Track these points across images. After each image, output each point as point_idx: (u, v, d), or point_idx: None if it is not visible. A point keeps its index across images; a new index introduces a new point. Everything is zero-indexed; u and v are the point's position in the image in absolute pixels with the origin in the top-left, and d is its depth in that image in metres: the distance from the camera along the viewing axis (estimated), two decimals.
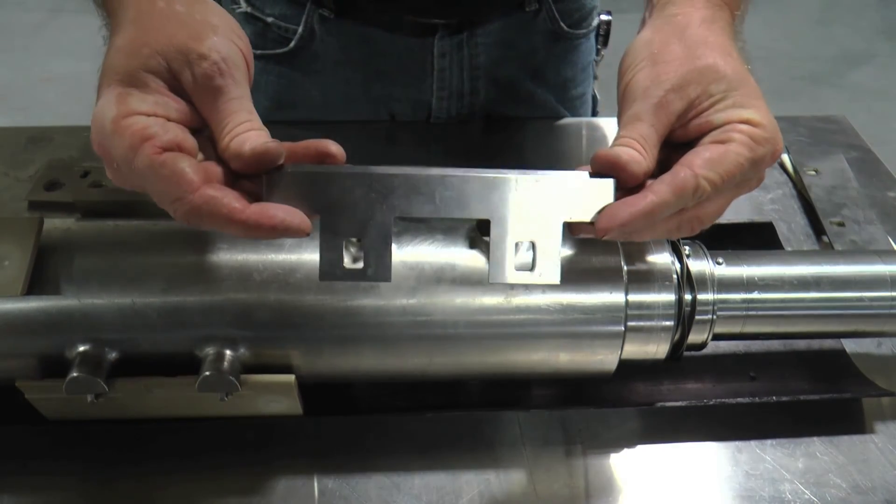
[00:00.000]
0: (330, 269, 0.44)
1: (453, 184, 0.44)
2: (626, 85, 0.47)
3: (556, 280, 0.45)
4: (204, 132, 0.45)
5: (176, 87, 0.42)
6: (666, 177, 0.43)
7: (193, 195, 0.40)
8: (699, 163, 0.43)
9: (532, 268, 0.45)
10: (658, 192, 0.42)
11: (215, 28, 0.44)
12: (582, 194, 0.45)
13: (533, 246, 0.45)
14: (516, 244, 0.45)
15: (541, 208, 0.45)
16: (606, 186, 0.45)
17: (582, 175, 0.45)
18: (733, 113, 0.45)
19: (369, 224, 0.43)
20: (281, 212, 0.41)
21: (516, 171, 0.45)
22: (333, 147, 0.44)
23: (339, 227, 0.43)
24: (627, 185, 0.44)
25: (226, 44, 0.43)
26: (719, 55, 0.46)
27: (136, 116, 0.41)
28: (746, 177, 0.45)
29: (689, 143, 0.46)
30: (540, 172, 0.45)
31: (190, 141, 0.42)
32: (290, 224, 0.41)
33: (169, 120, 0.42)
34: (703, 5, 0.49)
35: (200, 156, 0.43)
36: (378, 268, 0.44)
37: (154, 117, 0.41)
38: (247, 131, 0.42)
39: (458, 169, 0.45)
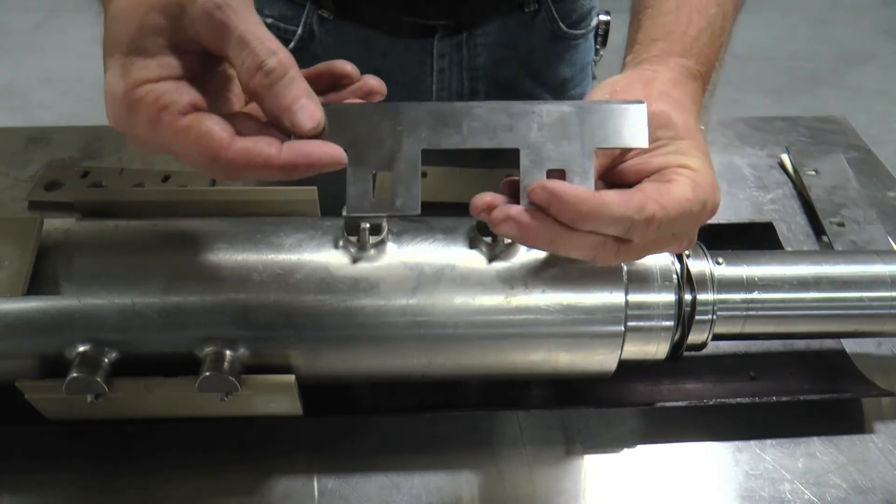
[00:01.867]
0: (358, 202, 0.43)
1: (480, 115, 0.44)
2: None
3: None
4: (218, 70, 0.43)
5: (180, 39, 0.40)
6: (622, 193, 0.42)
7: (227, 152, 0.39)
8: (651, 190, 0.42)
9: None
10: (605, 194, 0.41)
11: None
12: (613, 121, 0.44)
13: (564, 174, 0.43)
14: (547, 171, 0.43)
15: (571, 136, 0.44)
16: (639, 111, 0.44)
17: (612, 103, 0.44)
18: (674, 158, 0.44)
19: (397, 156, 0.43)
20: (315, 147, 0.40)
21: (542, 102, 0.44)
22: (348, 66, 0.44)
23: (366, 160, 0.43)
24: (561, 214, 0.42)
25: None
26: (675, 108, 0.46)
27: (146, 86, 0.39)
28: (686, 220, 0.43)
29: (625, 185, 0.45)
30: (568, 102, 0.44)
31: (202, 100, 0.41)
32: (326, 158, 0.40)
33: (179, 79, 0.40)
34: (677, 69, 0.49)
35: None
36: (407, 199, 0.43)
37: (163, 82, 0.40)
38: (297, 95, 0.40)
39: (484, 102, 0.44)
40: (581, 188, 0.41)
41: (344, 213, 0.49)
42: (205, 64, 0.42)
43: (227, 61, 0.41)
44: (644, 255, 0.46)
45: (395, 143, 0.43)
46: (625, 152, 0.46)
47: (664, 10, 0.52)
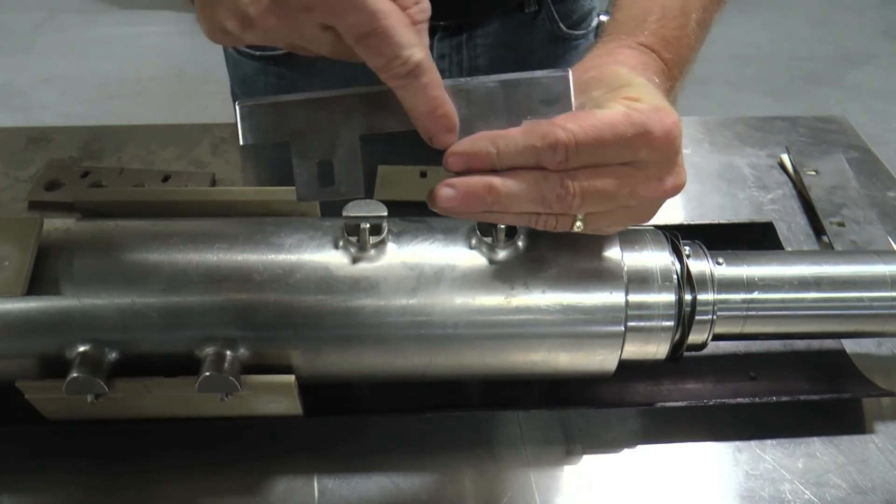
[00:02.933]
0: (306, 190, 0.45)
1: None
2: None
3: None
4: None
5: None
6: (527, 124, 0.42)
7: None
8: (562, 116, 0.41)
9: None
10: (509, 130, 0.41)
11: None
12: (538, 91, 0.45)
13: None
14: None
15: (499, 110, 0.45)
16: (563, 80, 0.44)
17: (536, 73, 0.45)
18: (613, 95, 0.43)
19: (336, 144, 0.45)
20: None
21: (472, 79, 0.45)
22: None
23: (308, 150, 0.45)
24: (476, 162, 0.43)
25: None
26: (608, 66, 0.46)
27: None
28: (624, 148, 0.41)
29: None
30: (495, 77, 0.45)
31: None
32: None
33: None
34: (616, 42, 0.49)
35: None
36: (350, 184, 0.45)
37: None
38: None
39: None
40: (481, 133, 0.42)
41: (344, 213, 0.50)
42: None
43: None
44: (592, 197, 0.42)
45: (333, 132, 0.45)
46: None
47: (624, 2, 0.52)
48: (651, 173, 0.43)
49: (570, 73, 0.44)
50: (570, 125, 0.40)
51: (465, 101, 0.45)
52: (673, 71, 0.50)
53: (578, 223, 0.44)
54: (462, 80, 0.45)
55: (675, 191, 0.44)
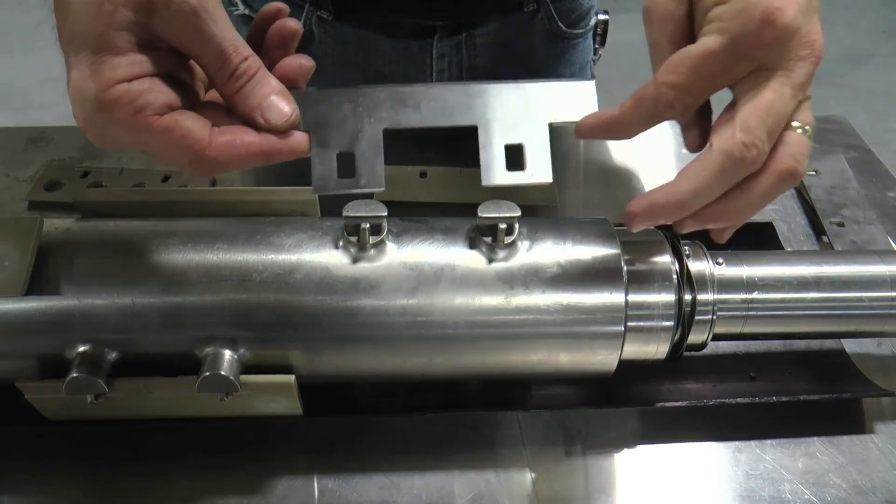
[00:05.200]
0: (323, 182, 0.45)
1: (437, 95, 0.46)
2: None
3: (548, 178, 0.46)
4: (185, 64, 0.42)
5: (150, 37, 0.39)
6: (638, 89, 0.42)
7: (210, 150, 0.39)
8: (662, 69, 0.41)
9: (523, 168, 0.46)
10: (623, 105, 0.41)
11: None
12: (565, 98, 0.45)
13: (522, 148, 0.46)
14: (505, 146, 0.46)
15: (525, 113, 0.45)
16: (588, 88, 0.45)
17: (563, 81, 0.46)
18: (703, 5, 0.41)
19: (360, 136, 0.45)
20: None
21: (498, 82, 0.46)
22: (293, 24, 0.44)
23: (330, 141, 0.45)
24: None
25: None
26: None
27: (120, 86, 0.38)
28: (737, 64, 0.39)
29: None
30: (521, 81, 0.46)
31: (177, 97, 0.40)
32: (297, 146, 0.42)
33: (152, 77, 0.39)
34: None
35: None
36: (371, 177, 0.45)
37: (137, 81, 0.38)
38: (267, 92, 0.41)
39: (440, 83, 0.46)
40: (602, 113, 0.42)
41: (344, 213, 0.50)
42: (173, 59, 0.41)
43: (197, 62, 0.41)
44: (757, 120, 0.40)
45: (356, 124, 0.45)
46: (694, 20, 0.42)
47: None
48: (781, 63, 0.40)
49: (594, 82, 0.45)
50: (671, 78, 0.39)
51: (492, 102, 0.45)
52: None
53: (802, 132, 0.41)
54: (488, 81, 0.45)
55: (817, 59, 0.40)
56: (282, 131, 0.42)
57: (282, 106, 0.42)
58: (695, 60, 0.39)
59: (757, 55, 0.39)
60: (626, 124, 0.41)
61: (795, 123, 0.40)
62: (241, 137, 0.40)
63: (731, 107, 0.40)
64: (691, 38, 0.42)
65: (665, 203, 0.42)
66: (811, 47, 0.40)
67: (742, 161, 0.39)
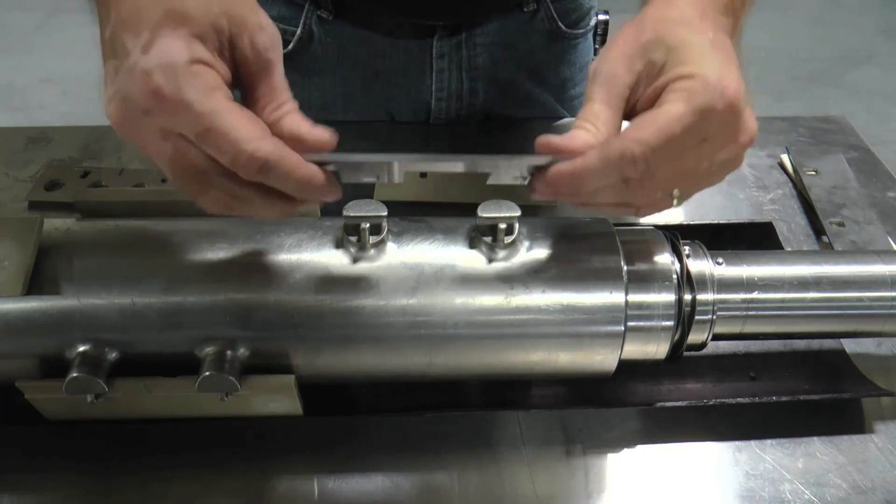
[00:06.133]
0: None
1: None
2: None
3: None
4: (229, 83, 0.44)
5: (223, 51, 0.41)
6: (600, 144, 0.43)
7: (273, 136, 0.41)
8: (628, 129, 0.43)
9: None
10: (586, 157, 0.42)
11: (255, 1, 0.44)
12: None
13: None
14: None
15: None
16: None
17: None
18: (673, 72, 0.43)
19: (382, 175, 0.46)
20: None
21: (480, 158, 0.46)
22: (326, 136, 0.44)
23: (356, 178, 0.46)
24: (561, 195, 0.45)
25: (271, 21, 0.44)
26: (664, 26, 0.45)
27: (206, 66, 0.40)
28: (694, 132, 0.42)
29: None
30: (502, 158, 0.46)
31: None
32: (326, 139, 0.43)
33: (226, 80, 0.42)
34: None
35: None
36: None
37: (216, 73, 0.41)
38: (291, 112, 0.43)
39: (440, 158, 0.46)
40: (562, 165, 0.43)
41: (344, 213, 0.50)
42: (229, 75, 0.43)
43: (250, 84, 0.43)
44: (676, 181, 0.45)
45: (385, 169, 0.45)
46: (635, 91, 0.45)
47: None
48: (725, 139, 0.44)
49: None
50: (640, 136, 0.42)
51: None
52: (734, 2, 0.48)
53: (675, 200, 0.46)
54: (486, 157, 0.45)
55: (750, 142, 0.45)
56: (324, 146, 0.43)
57: (319, 131, 0.43)
58: (661, 122, 0.42)
59: (710, 129, 0.42)
60: (589, 173, 0.42)
61: (675, 194, 0.44)
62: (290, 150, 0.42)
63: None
64: (628, 105, 0.45)
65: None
66: (748, 133, 0.44)
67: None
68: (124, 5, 0.40)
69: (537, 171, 0.44)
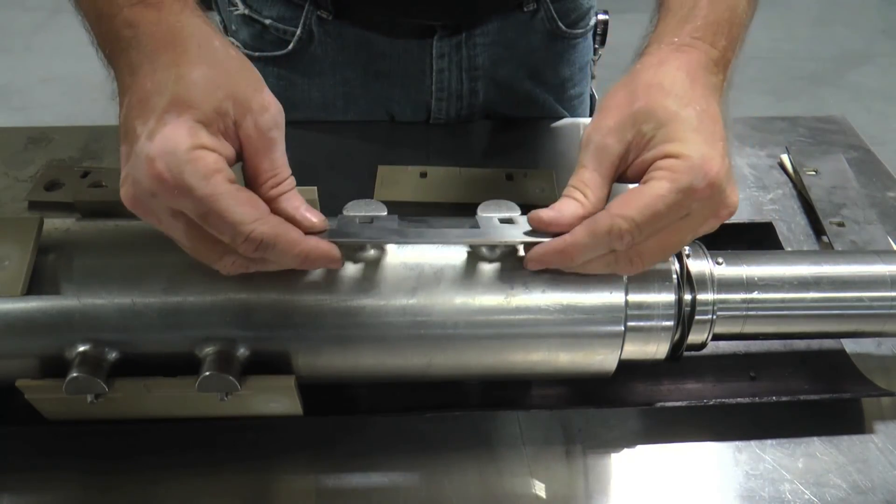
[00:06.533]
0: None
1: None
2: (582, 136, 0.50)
3: None
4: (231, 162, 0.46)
5: (228, 132, 0.44)
6: (588, 220, 0.46)
7: (271, 215, 0.43)
8: (615, 204, 0.45)
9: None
10: (575, 233, 0.46)
11: (261, 80, 0.46)
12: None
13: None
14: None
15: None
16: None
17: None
18: (660, 149, 0.46)
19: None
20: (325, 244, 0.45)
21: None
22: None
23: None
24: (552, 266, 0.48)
25: (275, 99, 0.46)
26: (655, 96, 0.47)
27: (207, 151, 0.42)
28: (677, 210, 0.45)
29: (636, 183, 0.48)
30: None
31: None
32: (333, 254, 0.46)
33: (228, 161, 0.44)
34: (667, 48, 0.50)
35: None
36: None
37: (220, 156, 0.43)
38: (290, 192, 0.46)
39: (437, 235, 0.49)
40: (552, 242, 0.46)
41: (343, 213, 0.50)
42: (232, 155, 0.45)
43: (253, 162, 0.45)
44: (661, 253, 0.48)
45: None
46: (624, 160, 0.47)
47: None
48: (707, 214, 0.47)
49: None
50: (626, 212, 0.44)
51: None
52: (727, 55, 0.51)
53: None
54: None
55: (730, 215, 0.48)
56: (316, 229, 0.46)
57: (312, 215, 0.46)
58: (646, 199, 0.44)
59: (693, 206, 0.45)
60: (578, 249, 0.45)
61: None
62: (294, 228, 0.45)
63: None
64: (617, 172, 0.48)
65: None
66: (729, 208, 0.47)
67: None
68: (136, 92, 0.43)
69: (529, 246, 0.48)
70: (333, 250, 0.45)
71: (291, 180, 0.46)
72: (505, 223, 0.49)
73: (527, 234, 0.48)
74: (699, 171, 0.44)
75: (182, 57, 0.43)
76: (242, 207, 0.42)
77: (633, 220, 0.44)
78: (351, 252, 0.50)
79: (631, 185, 0.47)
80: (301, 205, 0.45)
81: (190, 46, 0.44)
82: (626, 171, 0.48)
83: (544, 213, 0.47)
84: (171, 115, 0.41)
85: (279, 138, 0.45)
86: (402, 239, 0.48)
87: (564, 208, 0.47)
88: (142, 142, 0.41)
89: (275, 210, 0.44)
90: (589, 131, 0.48)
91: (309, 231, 0.45)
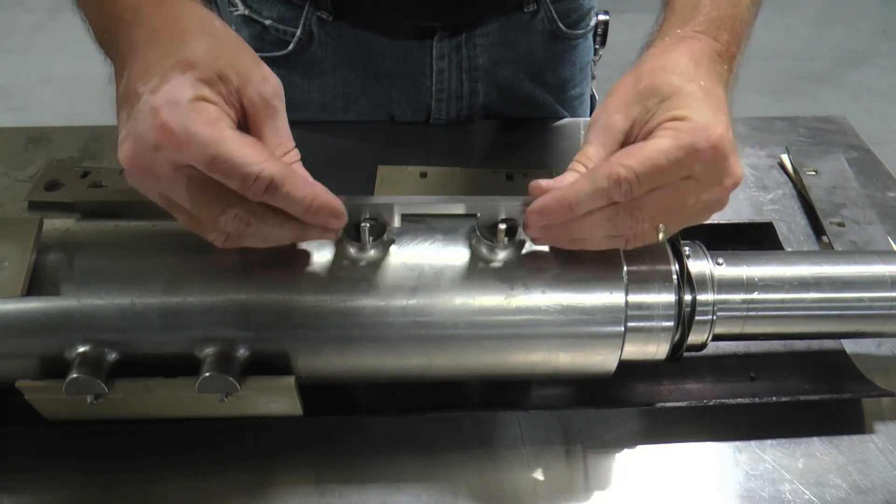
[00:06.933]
0: None
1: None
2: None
3: None
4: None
5: (230, 98, 0.44)
6: (589, 170, 0.46)
7: (278, 158, 0.43)
8: (617, 155, 0.45)
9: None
10: (575, 182, 0.45)
11: (259, 59, 0.47)
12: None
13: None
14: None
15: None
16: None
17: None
18: (663, 115, 0.46)
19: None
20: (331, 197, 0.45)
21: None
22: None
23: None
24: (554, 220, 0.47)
25: (273, 73, 0.47)
26: (660, 75, 0.48)
27: (209, 103, 0.42)
28: (678, 167, 0.45)
29: None
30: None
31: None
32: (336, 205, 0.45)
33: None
34: (671, 40, 0.50)
35: None
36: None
37: (220, 108, 0.43)
38: (295, 163, 0.46)
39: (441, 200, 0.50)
40: (552, 192, 0.46)
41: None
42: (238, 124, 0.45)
43: (258, 131, 0.45)
44: (662, 212, 0.46)
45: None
46: (629, 136, 0.48)
47: None
48: (710, 180, 0.46)
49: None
50: (627, 161, 0.44)
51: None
52: (731, 49, 0.51)
53: (661, 234, 0.48)
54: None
55: (734, 186, 0.47)
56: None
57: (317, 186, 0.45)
58: (647, 152, 0.44)
59: (695, 168, 0.45)
60: (579, 198, 0.45)
61: (660, 226, 0.47)
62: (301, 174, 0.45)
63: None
64: (622, 148, 0.47)
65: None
66: (733, 178, 0.47)
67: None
68: (138, 63, 0.43)
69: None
70: (338, 204, 0.45)
71: (296, 152, 0.46)
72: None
73: (526, 202, 0.48)
74: (702, 132, 0.44)
75: (184, 30, 0.44)
76: (250, 149, 0.42)
77: (633, 168, 0.44)
78: (352, 252, 0.50)
79: None
80: (307, 175, 0.45)
81: (192, 23, 0.44)
82: (632, 142, 0.48)
83: (544, 181, 0.47)
84: (175, 73, 0.42)
85: (281, 108, 0.46)
86: (406, 204, 0.48)
87: (565, 178, 0.47)
88: (144, 97, 0.41)
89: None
90: (596, 113, 0.49)
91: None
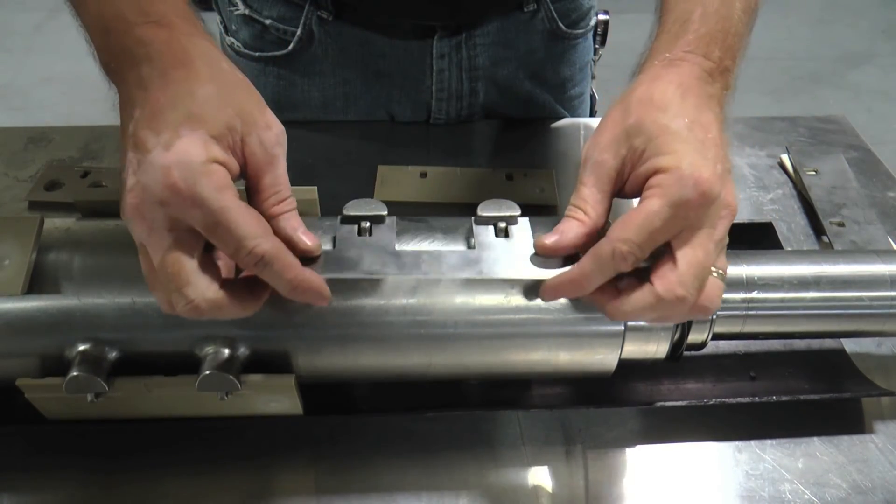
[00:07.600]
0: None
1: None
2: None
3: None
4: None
5: (235, 147, 0.45)
6: (591, 249, 0.46)
7: (274, 236, 0.44)
8: (614, 229, 0.46)
9: None
10: (581, 263, 0.46)
11: (264, 102, 0.47)
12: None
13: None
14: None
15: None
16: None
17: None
18: (651, 164, 0.46)
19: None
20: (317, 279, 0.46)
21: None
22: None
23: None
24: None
25: (277, 119, 0.47)
26: (646, 110, 0.48)
27: (219, 165, 0.43)
28: (674, 222, 0.45)
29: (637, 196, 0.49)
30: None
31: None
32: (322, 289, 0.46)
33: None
34: (660, 64, 0.50)
35: None
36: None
37: (227, 171, 0.44)
38: (290, 211, 0.47)
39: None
40: (564, 273, 0.47)
41: (343, 213, 0.50)
42: (238, 173, 0.46)
43: (256, 178, 0.46)
44: (691, 276, 0.46)
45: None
46: (621, 174, 0.48)
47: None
48: (707, 222, 0.47)
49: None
50: (624, 235, 0.45)
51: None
52: (724, 63, 0.51)
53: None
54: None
55: (732, 214, 0.48)
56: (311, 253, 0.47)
57: (308, 238, 0.47)
58: (641, 220, 0.45)
59: (689, 216, 0.46)
60: (588, 277, 0.46)
61: (713, 269, 0.47)
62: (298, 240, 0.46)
63: (670, 257, 0.46)
64: (616, 187, 0.48)
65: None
66: (728, 207, 0.47)
67: (676, 304, 0.46)
68: (148, 105, 0.44)
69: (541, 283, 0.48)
70: (324, 288, 0.45)
71: (292, 200, 0.47)
72: (500, 237, 0.50)
73: (532, 258, 0.48)
74: (688, 182, 0.45)
75: (193, 75, 0.44)
76: (250, 222, 0.43)
77: (632, 241, 0.45)
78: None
79: (636, 201, 0.48)
80: (299, 227, 0.46)
81: (200, 66, 0.45)
82: (625, 187, 0.49)
83: (548, 239, 0.48)
84: (186, 129, 0.43)
85: (281, 156, 0.47)
86: (399, 272, 0.47)
87: (567, 229, 0.48)
88: (156, 152, 0.42)
89: (273, 228, 0.45)
90: (587, 148, 0.49)
91: (304, 253, 0.46)
